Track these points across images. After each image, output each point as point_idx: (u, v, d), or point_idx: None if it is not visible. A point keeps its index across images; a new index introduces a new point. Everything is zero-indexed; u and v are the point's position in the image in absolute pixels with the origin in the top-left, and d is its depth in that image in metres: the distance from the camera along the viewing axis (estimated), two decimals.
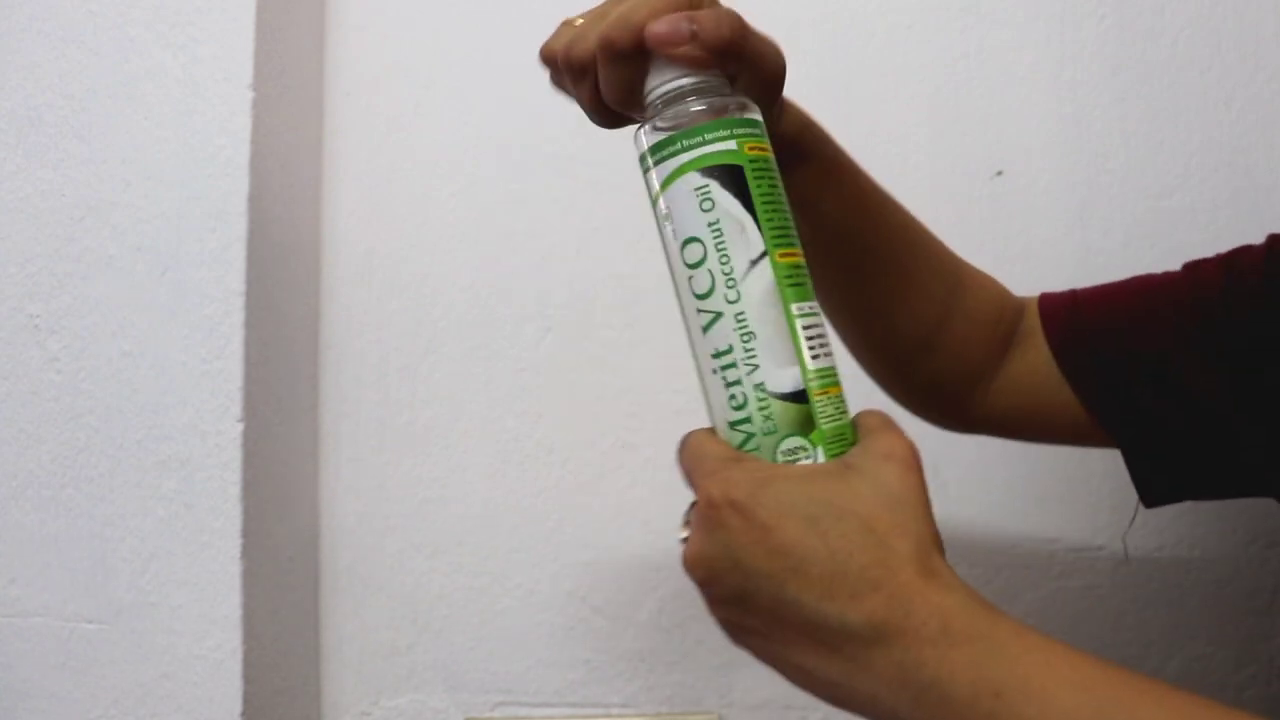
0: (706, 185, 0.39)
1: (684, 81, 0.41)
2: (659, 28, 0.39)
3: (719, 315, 0.39)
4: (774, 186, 0.40)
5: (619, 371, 0.82)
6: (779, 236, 0.40)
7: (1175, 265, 0.81)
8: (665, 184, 0.40)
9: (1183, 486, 0.57)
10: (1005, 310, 0.59)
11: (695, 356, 0.41)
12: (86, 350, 0.73)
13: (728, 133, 0.40)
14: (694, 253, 0.39)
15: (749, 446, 0.39)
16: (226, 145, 0.72)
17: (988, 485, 0.81)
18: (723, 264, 0.39)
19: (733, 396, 0.39)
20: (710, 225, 0.39)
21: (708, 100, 0.41)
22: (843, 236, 0.53)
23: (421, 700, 0.82)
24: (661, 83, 0.41)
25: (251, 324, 0.72)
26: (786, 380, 0.39)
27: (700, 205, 0.39)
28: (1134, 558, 0.81)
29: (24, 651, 0.73)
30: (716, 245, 0.39)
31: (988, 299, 0.58)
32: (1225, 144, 0.81)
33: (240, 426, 0.71)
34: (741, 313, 0.39)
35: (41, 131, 0.74)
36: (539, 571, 0.82)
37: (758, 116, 0.41)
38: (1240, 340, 0.51)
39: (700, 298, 0.39)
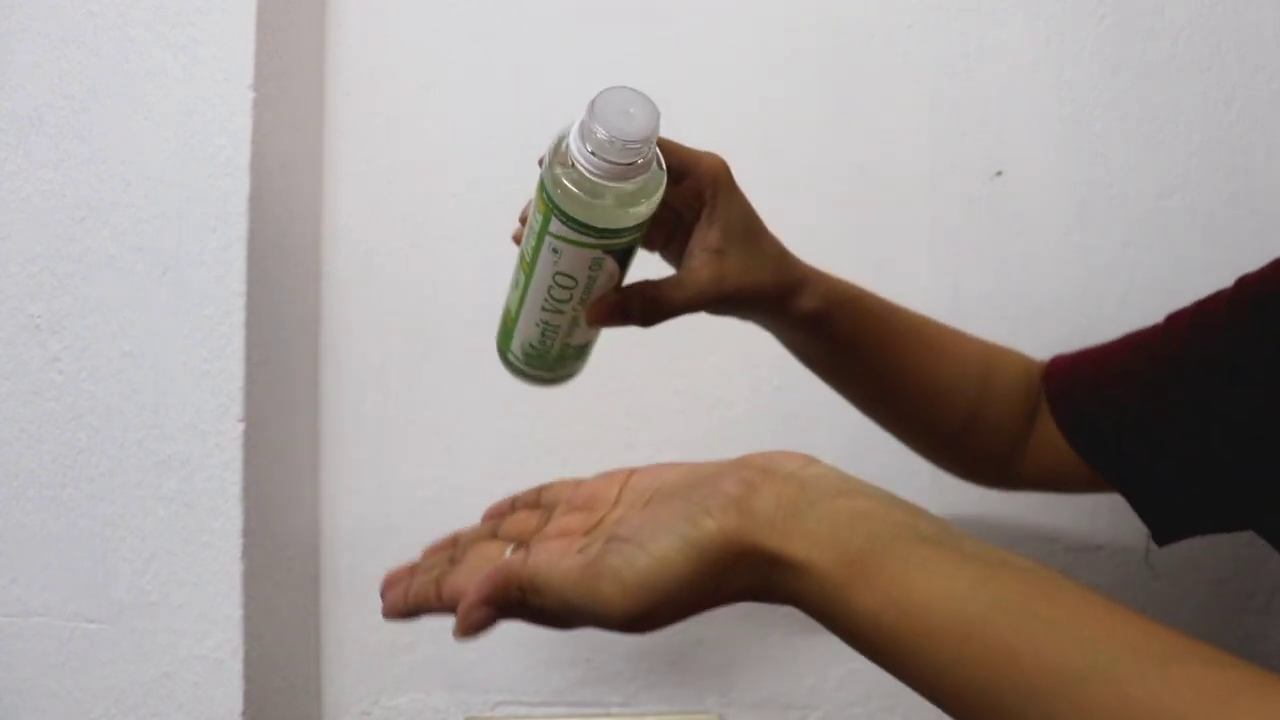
0: (603, 259, 0.47)
1: (636, 180, 0.45)
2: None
3: (563, 312, 0.50)
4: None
5: (619, 371, 0.82)
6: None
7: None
8: (569, 241, 0.46)
9: (1186, 525, 0.60)
10: (1033, 384, 0.62)
11: (525, 302, 0.50)
12: (87, 350, 0.73)
13: (639, 231, 0.47)
14: (567, 281, 0.48)
15: (533, 355, 0.53)
16: (226, 145, 0.72)
17: None
18: (585, 294, 0.49)
19: (544, 338, 0.52)
20: (590, 274, 0.48)
21: (646, 202, 0.46)
22: (875, 367, 0.58)
23: (421, 700, 0.82)
24: (613, 157, 0.44)
25: (251, 324, 0.72)
26: (585, 337, 0.53)
27: (590, 266, 0.47)
28: (1134, 558, 0.81)
29: (24, 651, 0.73)
30: (588, 283, 0.48)
31: (1016, 380, 0.62)
32: (1225, 144, 0.81)
33: (240, 426, 0.71)
34: (579, 316, 0.50)
35: (42, 132, 0.74)
36: None
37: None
38: (1211, 389, 0.54)
39: (557, 300, 0.49)
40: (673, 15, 0.84)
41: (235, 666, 0.70)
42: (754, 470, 0.37)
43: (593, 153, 0.43)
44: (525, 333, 0.52)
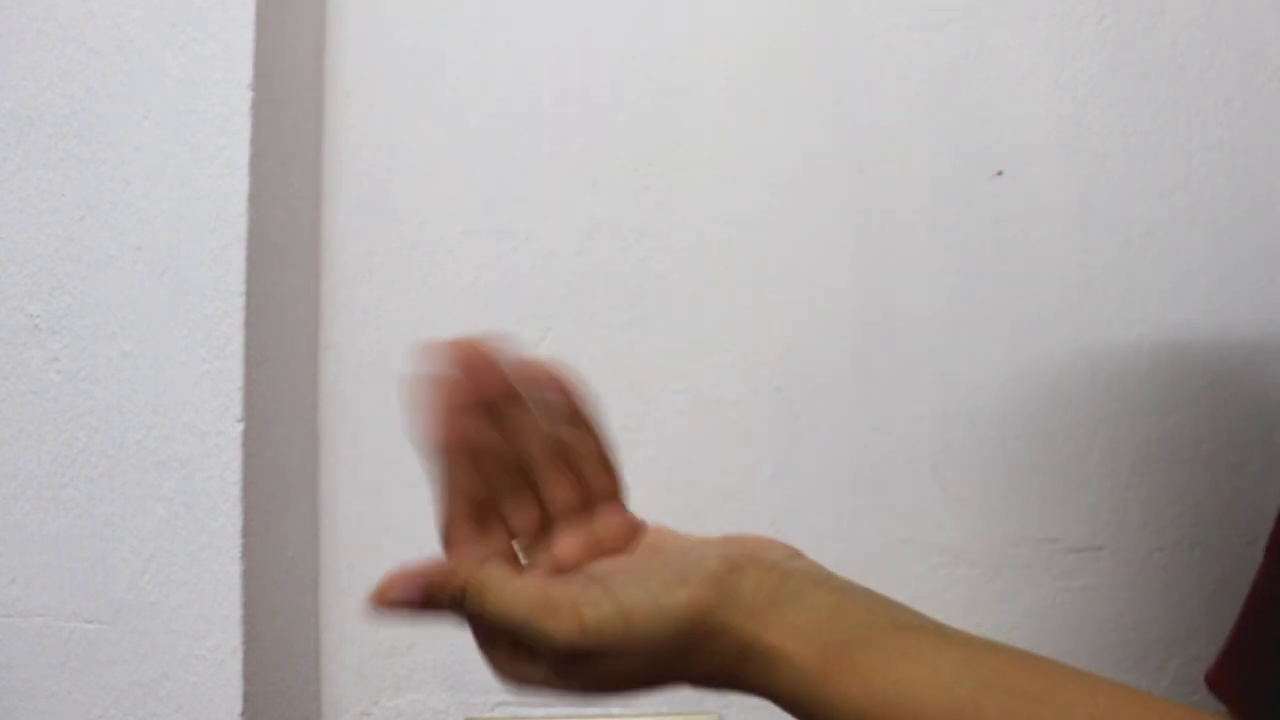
0: None
1: None
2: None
3: None
4: None
5: (619, 371, 0.82)
6: None
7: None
8: None
9: None
10: None
11: None
12: (86, 350, 0.73)
13: None
14: None
15: None
16: (226, 145, 0.72)
17: (988, 485, 0.81)
18: None
19: None
20: None
21: None
22: None
23: (421, 700, 0.82)
24: None
25: (251, 324, 0.72)
26: None
27: None
28: (1134, 558, 0.81)
29: (24, 651, 0.72)
30: None
31: None
32: (1225, 144, 0.81)
33: (240, 426, 0.71)
34: None
35: (41, 131, 0.74)
36: None
37: None
38: None
39: None
40: (673, 16, 0.84)
41: (235, 667, 0.70)
42: (741, 552, 0.37)
43: None
44: None
